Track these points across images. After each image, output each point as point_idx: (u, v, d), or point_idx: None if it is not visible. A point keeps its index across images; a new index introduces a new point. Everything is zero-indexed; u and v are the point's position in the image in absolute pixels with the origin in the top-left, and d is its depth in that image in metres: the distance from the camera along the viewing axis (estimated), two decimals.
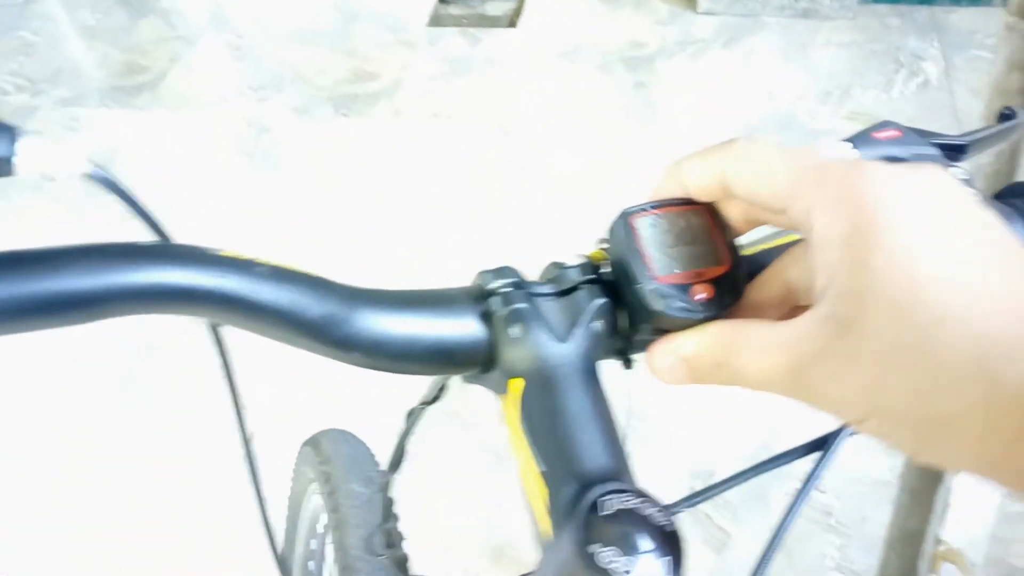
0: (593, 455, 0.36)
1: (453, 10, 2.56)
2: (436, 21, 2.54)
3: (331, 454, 0.89)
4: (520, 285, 0.39)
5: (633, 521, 0.33)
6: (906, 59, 2.27)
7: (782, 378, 0.33)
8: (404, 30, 2.52)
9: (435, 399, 0.44)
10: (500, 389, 0.39)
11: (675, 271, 0.38)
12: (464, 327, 0.39)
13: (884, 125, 0.55)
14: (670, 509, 0.34)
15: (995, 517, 0.78)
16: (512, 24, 2.51)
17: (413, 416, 0.46)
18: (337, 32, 2.55)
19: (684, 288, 0.38)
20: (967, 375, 0.29)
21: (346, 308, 0.36)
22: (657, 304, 0.37)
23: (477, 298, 0.39)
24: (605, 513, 0.33)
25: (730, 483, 0.51)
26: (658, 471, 1.52)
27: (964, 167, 0.54)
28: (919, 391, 0.30)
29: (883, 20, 2.39)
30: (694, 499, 0.51)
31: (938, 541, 0.80)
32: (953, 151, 0.55)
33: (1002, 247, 0.32)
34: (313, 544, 1.02)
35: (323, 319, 0.36)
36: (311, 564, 1.02)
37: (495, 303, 0.39)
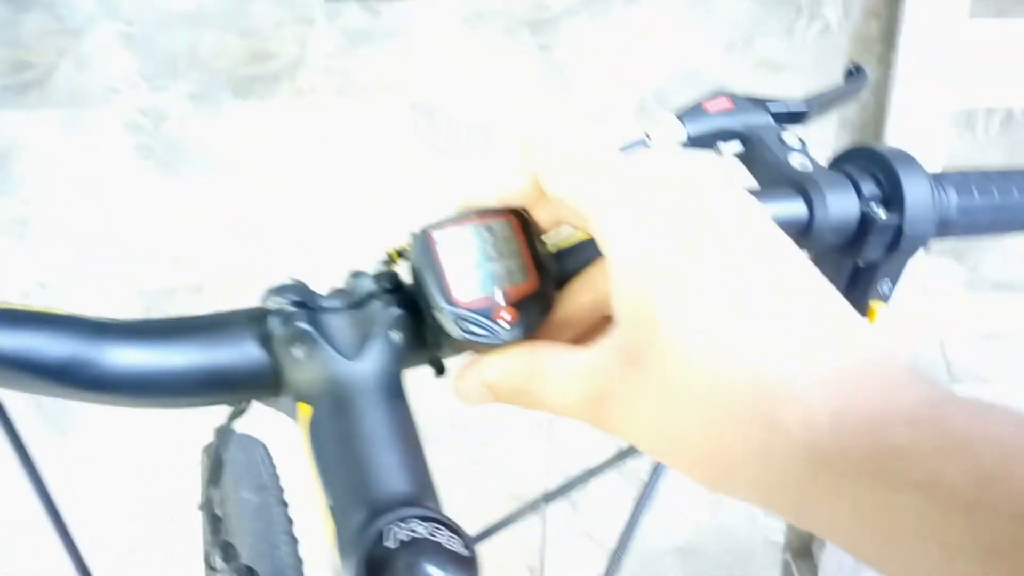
0: (385, 480, 0.33)
1: None
2: None
3: (224, 460, 0.86)
4: (302, 303, 0.36)
5: (422, 550, 0.30)
6: (806, 5, 2.28)
7: (581, 408, 0.32)
8: (301, 5, 2.44)
9: (240, 413, 0.42)
10: (292, 414, 0.37)
11: (477, 295, 0.36)
12: (241, 352, 0.36)
13: (716, 94, 0.54)
14: (468, 538, 0.32)
15: None
16: None
17: (222, 433, 0.44)
18: (231, 11, 2.45)
19: (486, 312, 0.36)
20: (747, 417, 0.28)
21: (91, 345, 0.33)
22: (455, 331, 0.36)
23: (258, 319, 0.37)
24: (390, 544, 0.30)
25: (588, 476, 0.50)
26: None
27: (800, 132, 0.53)
28: (705, 430, 0.29)
29: None
30: (512, 519, 0.50)
31: None
32: (791, 118, 0.54)
33: (790, 279, 0.31)
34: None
35: (66, 360, 0.32)
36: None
37: (273, 324, 0.36)
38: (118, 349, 0.33)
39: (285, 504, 0.82)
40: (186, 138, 2.11)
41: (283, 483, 0.85)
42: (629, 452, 0.51)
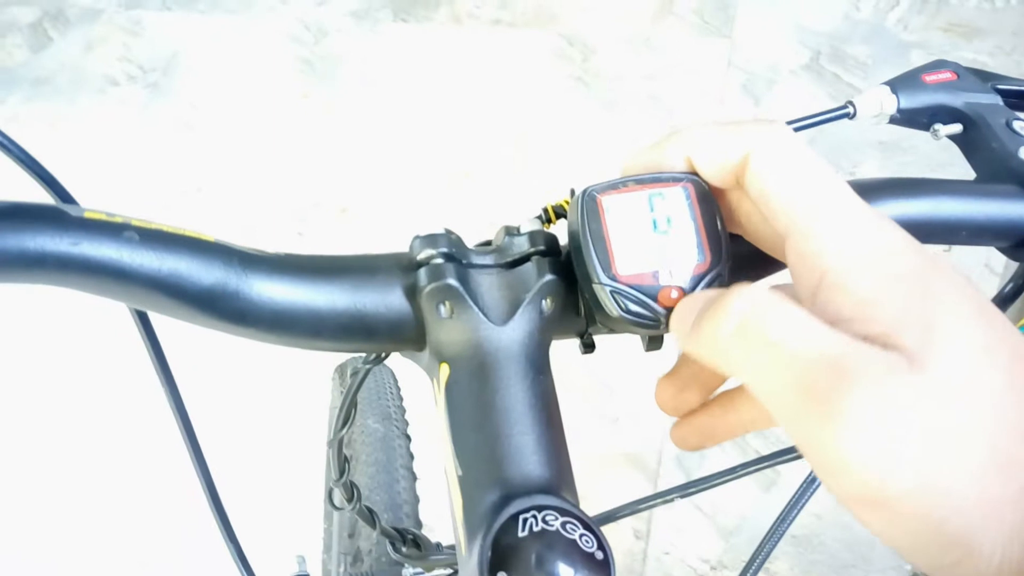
0: (520, 461, 0.31)
1: None
2: None
3: (357, 402, 0.87)
4: (453, 256, 0.33)
5: (553, 545, 0.28)
6: None
7: (794, 402, 0.25)
8: None
9: (378, 358, 0.40)
10: (432, 373, 0.34)
11: (642, 270, 0.32)
12: (386, 301, 0.33)
13: (938, 65, 0.46)
14: (604, 538, 0.29)
15: None
16: None
17: (357, 374, 0.42)
18: None
19: (651, 291, 0.32)
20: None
21: (239, 275, 0.31)
22: (614, 308, 0.32)
23: (405, 268, 0.34)
24: (522, 534, 0.28)
25: (724, 478, 0.46)
26: None
27: None
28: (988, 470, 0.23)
29: None
30: (669, 494, 0.46)
31: None
32: (1022, 98, 0.46)
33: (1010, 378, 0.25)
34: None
35: (212, 289, 0.30)
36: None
37: (422, 276, 0.33)
38: (264, 282, 0.32)
39: (408, 438, 0.82)
40: (343, 55, 2.13)
41: (408, 416, 0.85)
42: (778, 456, 0.46)
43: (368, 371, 0.41)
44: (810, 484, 0.44)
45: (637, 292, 0.32)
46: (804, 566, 1.32)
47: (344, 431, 0.45)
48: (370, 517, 0.51)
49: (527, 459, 0.31)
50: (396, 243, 0.35)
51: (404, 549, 0.55)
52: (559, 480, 0.31)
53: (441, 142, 1.92)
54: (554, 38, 2.05)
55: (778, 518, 0.45)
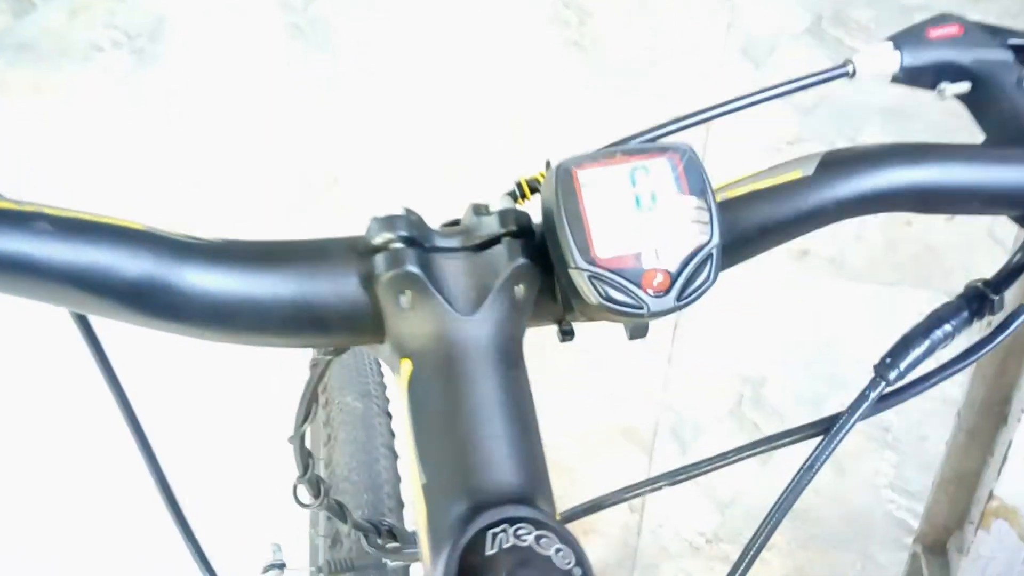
0: (490, 467, 0.28)
1: None
2: None
3: (318, 396, 0.84)
4: (414, 240, 0.30)
5: (527, 563, 0.25)
6: None
7: None
8: None
9: (339, 350, 0.36)
10: (394, 367, 0.31)
11: (624, 251, 0.29)
12: (340, 290, 0.30)
13: (943, 19, 0.42)
14: (583, 554, 0.26)
15: None
16: None
17: (317, 367, 0.39)
18: None
19: (634, 274, 0.29)
20: None
21: (170, 266, 0.28)
22: (592, 295, 0.29)
23: (361, 254, 0.30)
24: (492, 551, 0.25)
25: (711, 465, 0.43)
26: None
27: None
28: None
29: None
30: (656, 481, 0.44)
31: (991, 496, 0.71)
32: None
33: None
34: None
35: (139, 282, 0.27)
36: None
37: (379, 262, 0.29)
38: (199, 272, 0.28)
39: (389, 416, 0.79)
40: (334, 20, 2.07)
41: (389, 394, 0.82)
42: (771, 440, 0.44)
43: (328, 363, 0.39)
44: (808, 470, 0.41)
45: (618, 277, 0.29)
46: (801, 540, 1.30)
47: (305, 426, 0.43)
48: (340, 511, 0.49)
49: (498, 465, 0.28)
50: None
51: (379, 541, 0.53)
52: (533, 487, 0.28)
53: (435, 109, 1.87)
54: (550, 1, 2.00)
55: (776, 504, 0.42)
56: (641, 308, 0.29)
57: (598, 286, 0.29)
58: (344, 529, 0.65)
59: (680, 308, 0.30)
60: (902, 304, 1.46)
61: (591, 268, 0.29)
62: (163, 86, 2.02)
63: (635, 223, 0.29)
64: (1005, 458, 0.68)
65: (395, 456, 0.75)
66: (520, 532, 0.26)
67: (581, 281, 0.29)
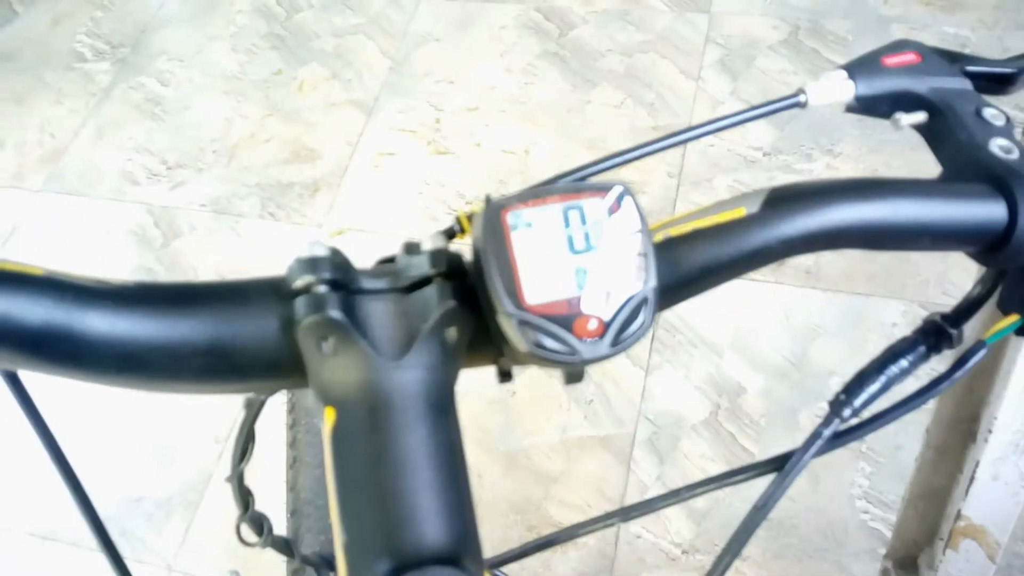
0: (415, 524, 0.26)
1: None
2: None
3: (254, 435, 0.84)
4: (338, 283, 0.28)
5: None
6: None
7: None
8: None
9: (272, 391, 0.36)
10: (319, 415, 0.30)
11: (555, 297, 0.28)
12: (259, 334, 0.28)
13: (900, 46, 0.42)
14: None
15: None
16: None
17: (252, 406, 0.39)
18: None
19: (565, 321, 0.28)
20: None
21: (70, 311, 0.27)
22: (521, 342, 0.28)
23: (283, 296, 0.29)
24: None
25: (668, 501, 0.44)
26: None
27: (1004, 106, 0.41)
28: None
29: None
30: (610, 518, 0.44)
31: (959, 516, 0.72)
32: (994, 82, 0.42)
33: None
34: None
35: (40, 330, 0.26)
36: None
37: (299, 307, 0.28)
38: (104, 317, 0.27)
39: None
40: (316, 29, 2.08)
41: None
42: (727, 476, 0.44)
43: (262, 403, 0.38)
44: (761, 508, 0.41)
45: (549, 323, 0.28)
46: (776, 550, 1.31)
47: (242, 466, 0.42)
48: (286, 547, 0.48)
49: (422, 520, 0.27)
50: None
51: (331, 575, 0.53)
52: (460, 544, 0.27)
53: (416, 115, 1.88)
54: (531, 12, 2.01)
55: (731, 539, 0.43)
56: (574, 355, 0.28)
57: (528, 333, 0.28)
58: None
59: (615, 354, 0.29)
60: (877, 315, 1.47)
61: (520, 314, 0.28)
62: (146, 96, 2.01)
63: (567, 266, 0.28)
64: (973, 478, 0.69)
65: None
66: None
67: (509, 328, 0.28)
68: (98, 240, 1.78)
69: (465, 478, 0.29)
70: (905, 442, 1.37)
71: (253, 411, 0.40)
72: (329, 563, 0.51)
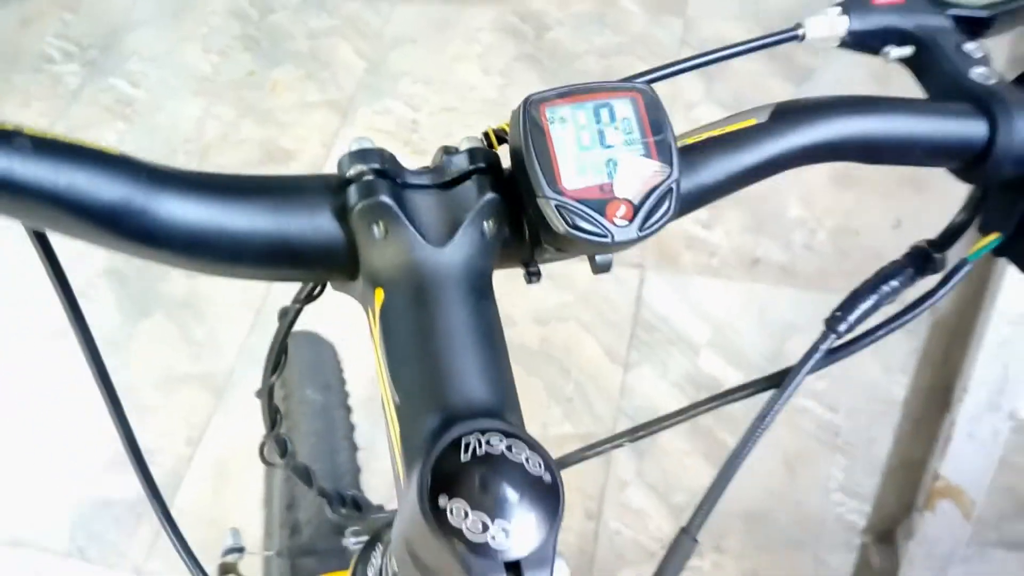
0: (461, 384, 0.29)
1: None
2: None
3: (291, 357, 0.83)
4: (387, 172, 0.31)
5: (498, 468, 0.26)
6: None
7: None
8: None
9: (310, 297, 0.37)
10: (367, 302, 0.32)
11: (589, 183, 0.30)
12: (314, 224, 0.31)
13: None
14: (552, 461, 0.27)
15: (1001, 452, 0.71)
16: None
17: (287, 316, 0.40)
18: None
19: (599, 204, 0.30)
20: None
21: (147, 191, 0.28)
22: (560, 224, 0.30)
23: (335, 188, 0.31)
24: (465, 457, 0.26)
25: (670, 421, 0.44)
26: None
27: (983, 43, 0.44)
28: None
29: None
30: (618, 439, 0.44)
31: (936, 476, 0.73)
32: (973, 24, 0.45)
33: None
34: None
35: (116, 205, 0.28)
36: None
37: (352, 193, 0.31)
38: (176, 200, 0.29)
39: (348, 409, 0.79)
40: (290, 30, 2.07)
41: (349, 388, 0.82)
42: (728, 395, 0.45)
43: (299, 311, 0.39)
44: (761, 420, 0.42)
45: (584, 206, 0.30)
46: (756, 543, 1.32)
47: (274, 378, 0.43)
48: (306, 475, 0.48)
49: (468, 382, 0.29)
50: None
51: (343, 510, 0.52)
52: (503, 403, 0.29)
53: (393, 116, 1.88)
54: (507, 15, 2.02)
55: (732, 453, 0.43)
56: (606, 236, 0.30)
57: (565, 215, 0.30)
58: (304, 517, 0.65)
59: (643, 238, 0.31)
60: None
61: (558, 198, 0.30)
62: (117, 98, 1.99)
63: (599, 157, 0.31)
64: (949, 438, 0.70)
65: (355, 448, 0.74)
66: (492, 440, 0.27)
67: (549, 210, 0.30)
68: (67, 244, 1.75)
69: (504, 351, 0.31)
70: (879, 433, 1.39)
71: (287, 322, 0.40)
72: (343, 498, 0.51)
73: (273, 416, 0.45)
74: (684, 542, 0.44)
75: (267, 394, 0.44)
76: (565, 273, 1.61)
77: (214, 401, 1.51)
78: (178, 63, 2.05)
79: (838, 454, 1.39)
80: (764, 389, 0.43)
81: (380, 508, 0.55)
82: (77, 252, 1.45)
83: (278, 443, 0.46)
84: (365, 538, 0.53)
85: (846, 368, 1.69)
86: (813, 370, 0.43)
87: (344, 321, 0.68)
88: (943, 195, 0.47)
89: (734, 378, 1.47)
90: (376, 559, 0.40)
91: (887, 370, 1.45)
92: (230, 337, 1.58)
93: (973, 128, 0.39)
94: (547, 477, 0.27)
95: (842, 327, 0.43)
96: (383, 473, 0.60)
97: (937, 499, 0.75)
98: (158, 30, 2.13)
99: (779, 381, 0.43)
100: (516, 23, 2.01)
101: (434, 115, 1.86)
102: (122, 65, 2.06)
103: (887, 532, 0.85)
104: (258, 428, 1.04)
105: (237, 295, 1.63)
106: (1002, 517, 1.30)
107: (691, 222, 1.65)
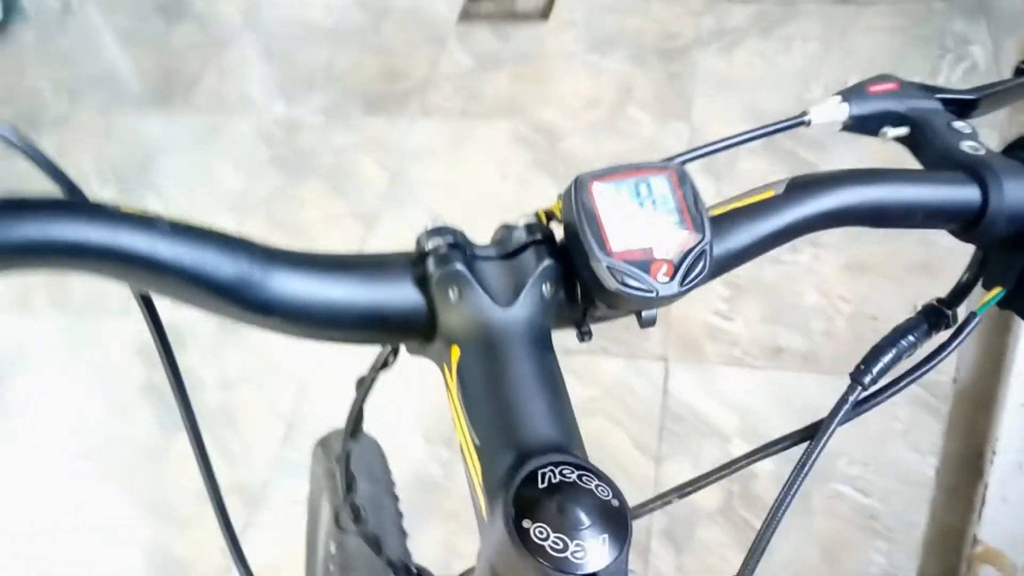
0: (533, 424, 0.33)
1: (484, 7, 2.53)
2: (466, 16, 2.51)
3: (339, 452, 0.86)
4: (458, 246, 0.36)
5: (571, 495, 0.29)
6: (952, 43, 2.18)
7: None
8: (432, 27, 2.50)
9: (385, 365, 0.41)
10: (443, 359, 0.36)
11: (634, 246, 0.35)
12: (399, 292, 0.36)
13: (882, 78, 0.50)
14: (618, 489, 0.30)
15: None
16: (544, 17, 2.47)
17: (364, 384, 0.43)
18: (366, 30, 2.54)
19: (643, 264, 0.35)
20: None
21: (262, 268, 0.33)
22: (611, 282, 0.34)
23: (415, 262, 0.36)
24: (542, 486, 0.30)
25: (714, 477, 0.47)
26: None
27: (970, 123, 0.49)
28: None
29: (928, 4, 2.30)
30: (669, 496, 0.47)
31: (975, 541, 0.74)
32: (961, 106, 0.49)
33: None
34: (332, 547, 1.00)
35: (236, 280, 0.32)
36: (331, 567, 1.00)
37: (431, 264, 0.36)
38: (284, 275, 0.33)
39: (396, 498, 0.81)
40: (316, 149, 2.17)
41: (395, 477, 0.84)
42: (765, 449, 0.47)
43: (374, 379, 0.42)
44: (800, 469, 0.44)
45: (631, 266, 0.35)
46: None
47: (351, 444, 0.45)
48: (376, 543, 0.50)
49: (539, 422, 0.33)
50: None
51: None
52: (570, 440, 0.33)
53: (417, 222, 1.94)
54: (520, 127, 2.12)
55: (775, 503, 0.45)
56: (651, 292, 0.34)
57: (615, 274, 0.34)
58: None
59: (683, 293, 0.35)
60: None
61: (608, 259, 0.34)
62: None
63: (641, 224, 0.36)
64: (984, 502, 0.71)
65: (404, 534, 0.76)
66: (564, 471, 0.30)
67: (601, 271, 0.34)
68: (106, 360, 1.80)
69: (567, 397, 0.35)
70: (917, 518, 1.38)
71: (364, 389, 0.43)
72: (408, 569, 0.53)
73: (349, 482, 0.48)
74: None
75: (344, 460, 0.47)
76: (590, 368, 1.64)
77: (248, 511, 1.51)
78: (209, 181, 2.14)
79: (878, 539, 1.38)
80: (799, 442, 0.46)
81: None
82: (116, 369, 1.51)
83: (353, 509, 0.48)
84: None
85: (876, 453, 1.68)
86: (842, 421, 0.45)
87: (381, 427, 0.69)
88: (954, 277, 0.50)
89: (766, 465, 1.47)
90: None
91: (917, 451, 1.45)
92: (263, 448, 1.60)
93: (967, 193, 0.43)
94: (615, 502, 0.30)
95: (866, 379, 0.45)
96: (429, 559, 0.62)
97: (979, 565, 0.75)
98: (189, 153, 2.24)
99: (812, 434, 0.45)
100: (529, 134, 2.10)
101: (456, 220, 1.93)
102: (156, 184, 2.16)
103: None
104: (291, 540, 1.05)
105: (267, 407, 1.66)
106: None
107: (712, 313, 1.68)
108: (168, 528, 1.51)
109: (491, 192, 1.98)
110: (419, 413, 1.59)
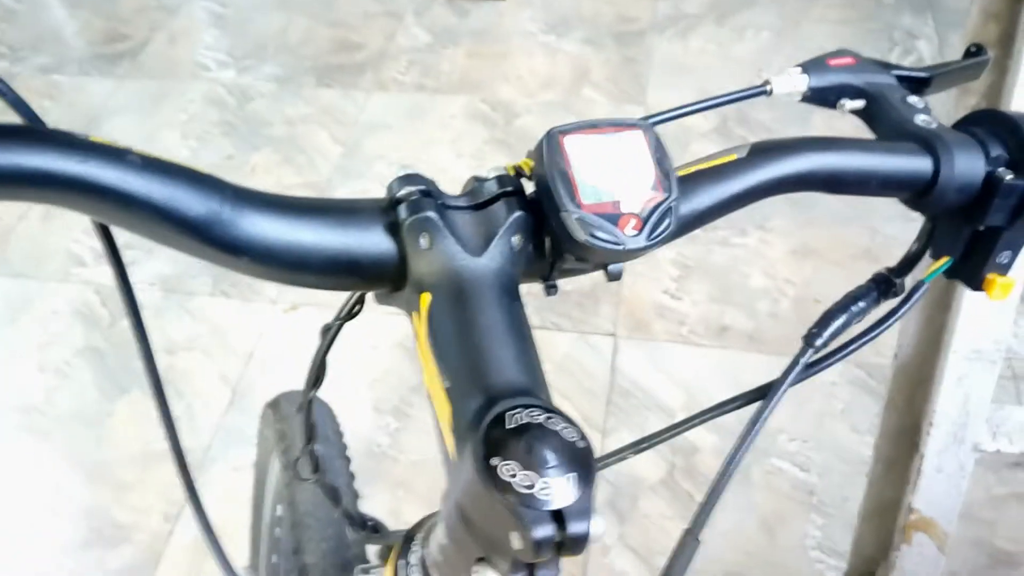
0: (502, 369, 0.33)
1: None
2: None
3: (289, 414, 0.86)
4: (429, 193, 0.36)
5: (539, 435, 0.30)
6: (900, 37, 2.24)
7: None
8: (390, 0, 2.48)
9: (350, 315, 0.41)
10: (412, 307, 0.37)
11: (603, 199, 0.35)
12: (370, 239, 0.36)
13: (841, 53, 0.51)
14: (582, 431, 0.31)
15: (968, 485, 0.75)
16: None
17: (329, 332, 0.43)
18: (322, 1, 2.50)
19: (612, 217, 0.35)
20: None
21: (233, 208, 0.33)
22: (580, 234, 0.35)
23: (385, 208, 0.36)
24: (510, 427, 0.30)
25: (666, 434, 0.48)
26: None
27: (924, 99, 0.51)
28: None
29: None
30: (624, 451, 0.48)
31: (910, 510, 0.77)
32: (915, 83, 0.51)
33: None
34: (279, 510, 0.99)
35: (206, 218, 0.32)
36: (277, 531, 0.99)
37: (403, 210, 0.36)
38: (255, 216, 0.33)
39: (348, 459, 0.81)
40: (268, 118, 2.14)
41: (346, 439, 0.84)
42: (718, 408, 0.48)
43: (339, 327, 0.42)
44: (751, 427, 0.46)
45: (600, 219, 0.35)
46: None
47: (312, 393, 0.46)
48: (334, 493, 0.51)
49: (509, 367, 0.34)
50: None
51: (363, 531, 0.54)
52: (538, 385, 0.34)
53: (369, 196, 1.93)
54: (477, 103, 2.12)
55: (726, 461, 0.47)
56: (619, 244, 0.35)
57: (584, 226, 0.35)
58: (311, 560, 0.66)
59: (650, 248, 0.36)
60: (820, 376, 1.55)
61: (578, 211, 0.35)
62: None
63: (611, 179, 0.36)
64: (920, 473, 0.74)
65: (356, 495, 0.76)
66: (533, 413, 0.31)
67: (570, 222, 0.35)
68: (46, 320, 1.75)
69: (534, 344, 0.36)
70: (852, 493, 1.42)
71: (329, 338, 0.43)
72: (364, 523, 0.53)
73: (310, 432, 0.48)
74: (688, 542, 0.46)
75: (307, 408, 0.47)
76: (542, 343, 1.65)
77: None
78: (156, 148, 2.09)
79: (814, 513, 1.42)
80: (751, 401, 0.47)
81: (396, 534, 0.57)
82: (56, 333, 1.48)
83: (312, 458, 0.48)
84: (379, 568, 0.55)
85: (816, 430, 1.72)
86: (794, 382, 0.46)
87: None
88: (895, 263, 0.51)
89: (711, 441, 1.51)
90: (414, 555, 0.43)
91: (856, 431, 1.50)
92: (207, 414, 1.58)
93: (920, 163, 0.44)
94: (581, 443, 0.31)
95: (819, 342, 0.47)
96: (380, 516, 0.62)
97: (912, 532, 0.78)
98: (136, 116, 2.19)
99: (764, 394, 0.46)
100: (486, 111, 2.10)
101: None
102: None
103: (868, 574, 0.87)
104: (235, 503, 1.04)
105: (213, 374, 1.64)
106: (974, 571, 1.33)
107: (661, 292, 1.71)
108: (108, 492, 1.49)
109: (446, 167, 1.97)
110: (368, 382, 1.59)
